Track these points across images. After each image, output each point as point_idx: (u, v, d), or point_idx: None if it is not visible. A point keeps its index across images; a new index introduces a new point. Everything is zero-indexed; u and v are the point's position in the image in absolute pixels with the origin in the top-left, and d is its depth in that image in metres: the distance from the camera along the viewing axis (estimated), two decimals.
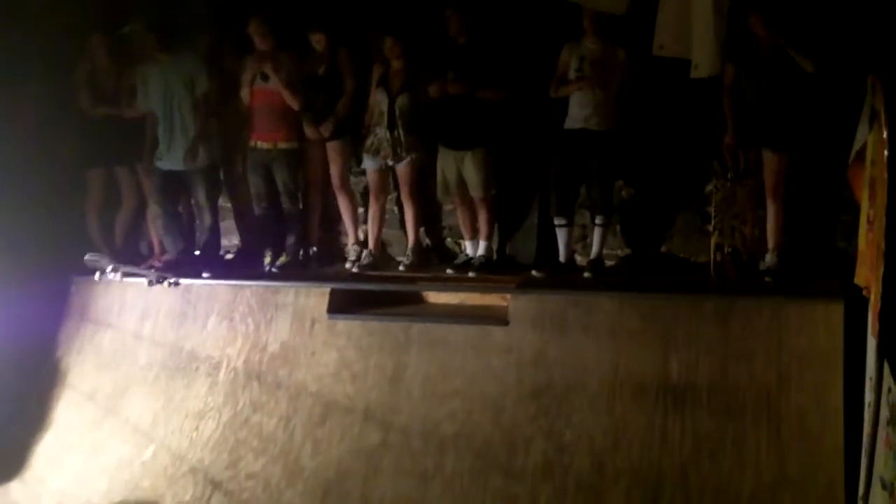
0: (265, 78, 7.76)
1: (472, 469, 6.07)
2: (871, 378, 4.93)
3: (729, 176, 6.82)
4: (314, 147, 7.91)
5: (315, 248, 8.18)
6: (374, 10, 7.92)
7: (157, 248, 8.56)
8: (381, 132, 7.60)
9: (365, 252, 7.91)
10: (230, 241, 8.81)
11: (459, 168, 7.38)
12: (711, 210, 6.97)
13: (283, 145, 7.89)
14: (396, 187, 7.92)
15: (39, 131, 8.15)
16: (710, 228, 6.96)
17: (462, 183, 7.43)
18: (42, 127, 8.18)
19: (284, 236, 8.11)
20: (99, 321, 7.98)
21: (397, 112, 7.57)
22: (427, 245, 8.21)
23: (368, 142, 7.68)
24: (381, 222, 7.92)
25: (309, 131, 7.83)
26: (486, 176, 7.37)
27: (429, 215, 8.11)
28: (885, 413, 4.76)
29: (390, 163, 7.65)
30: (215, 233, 8.20)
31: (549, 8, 7.23)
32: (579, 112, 7.06)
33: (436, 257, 8.18)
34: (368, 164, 7.74)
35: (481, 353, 6.48)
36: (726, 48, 6.57)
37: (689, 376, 5.85)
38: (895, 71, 4.90)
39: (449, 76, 7.30)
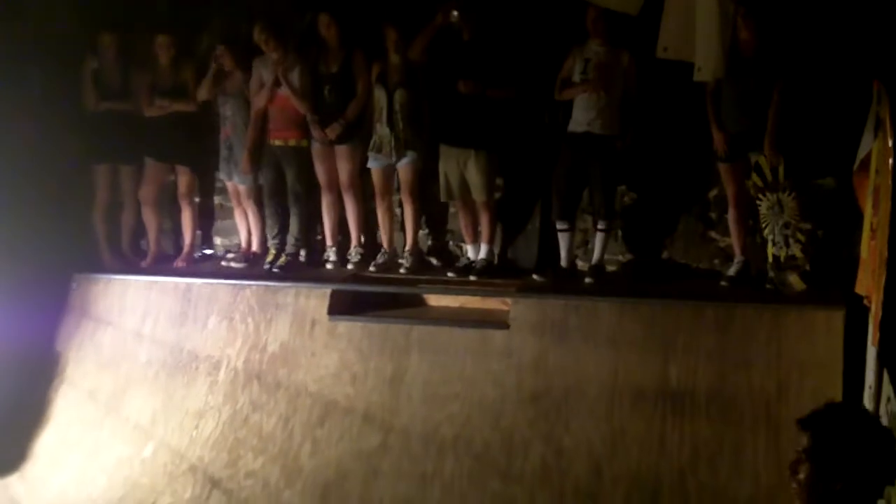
0: (278, 84, 7.78)
1: (470, 472, 6.08)
2: (870, 387, 4.95)
3: (769, 182, 6.51)
4: (327, 148, 7.89)
5: (334, 248, 8.12)
6: (382, 4, 7.87)
7: (153, 247, 8.62)
8: (382, 129, 7.59)
9: (382, 251, 7.90)
10: (230, 240, 8.85)
11: (462, 171, 7.36)
12: (762, 221, 6.65)
13: (293, 143, 7.93)
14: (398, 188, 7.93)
15: (42, 126, 8.13)
16: (765, 241, 6.66)
17: (465, 186, 7.40)
18: (45, 122, 8.16)
19: (286, 235, 8.16)
20: (100, 319, 7.98)
21: (396, 107, 7.53)
22: (428, 247, 8.19)
23: (372, 141, 7.65)
24: (392, 221, 7.91)
25: (316, 134, 7.81)
26: (489, 179, 7.36)
27: (434, 217, 8.12)
28: (883, 422, 4.77)
29: (392, 161, 7.62)
30: None
31: (555, 9, 7.23)
32: (583, 115, 7.05)
33: (437, 260, 8.16)
34: (373, 163, 7.72)
35: (481, 358, 6.49)
36: (729, 51, 6.56)
37: (688, 383, 5.87)
38: None
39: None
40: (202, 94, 8.24)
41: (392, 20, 7.56)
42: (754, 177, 6.56)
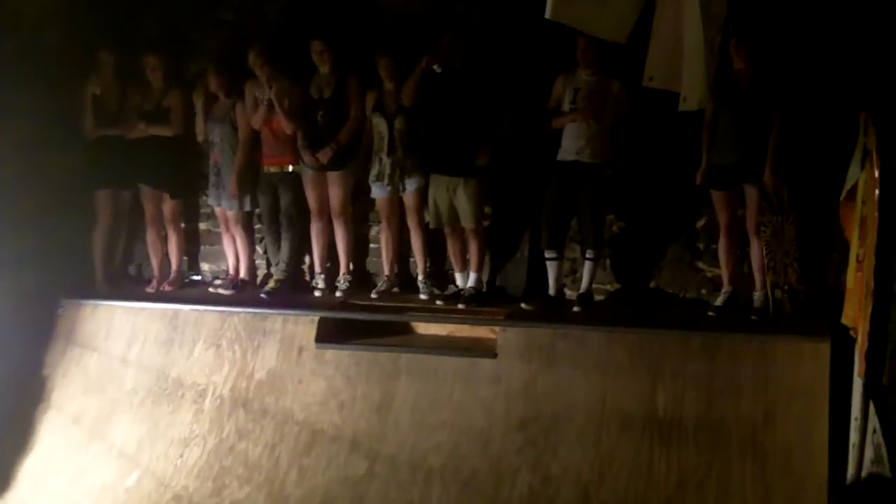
0: (271, 107, 7.80)
1: (458, 500, 6.04)
2: (856, 419, 4.97)
3: (775, 208, 6.53)
4: (319, 174, 7.88)
5: (323, 275, 8.11)
6: (375, 32, 7.94)
7: (156, 273, 8.63)
8: (384, 158, 7.60)
9: (384, 279, 7.90)
10: (218, 266, 8.84)
11: (451, 198, 7.36)
12: (766, 248, 6.63)
13: (288, 169, 7.97)
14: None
15: (31, 148, 8.10)
16: (765, 267, 6.63)
17: (454, 213, 7.40)
18: (34, 144, 8.13)
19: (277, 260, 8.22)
20: (86, 345, 7.93)
21: (396, 136, 7.56)
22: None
23: (374, 171, 7.66)
24: (396, 249, 7.90)
25: (307, 159, 7.81)
26: (479, 206, 7.37)
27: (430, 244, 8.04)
28: (869, 454, 4.79)
29: (390, 191, 7.64)
30: None
31: (545, 37, 7.22)
32: (572, 144, 7.07)
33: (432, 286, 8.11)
34: (377, 192, 7.73)
35: (469, 385, 6.47)
36: (715, 82, 6.58)
37: (675, 411, 5.87)
38: (888, 110, 4.94)
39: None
40: (200, 134, 8.34)
41: (384, 48, 7.61)
42: (762, 203, 6.58)
